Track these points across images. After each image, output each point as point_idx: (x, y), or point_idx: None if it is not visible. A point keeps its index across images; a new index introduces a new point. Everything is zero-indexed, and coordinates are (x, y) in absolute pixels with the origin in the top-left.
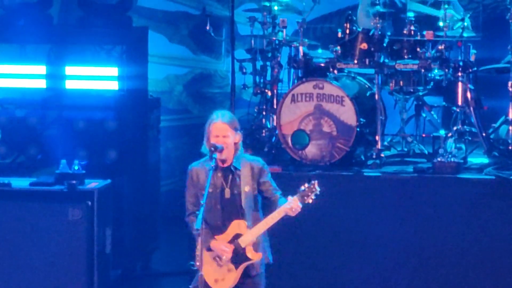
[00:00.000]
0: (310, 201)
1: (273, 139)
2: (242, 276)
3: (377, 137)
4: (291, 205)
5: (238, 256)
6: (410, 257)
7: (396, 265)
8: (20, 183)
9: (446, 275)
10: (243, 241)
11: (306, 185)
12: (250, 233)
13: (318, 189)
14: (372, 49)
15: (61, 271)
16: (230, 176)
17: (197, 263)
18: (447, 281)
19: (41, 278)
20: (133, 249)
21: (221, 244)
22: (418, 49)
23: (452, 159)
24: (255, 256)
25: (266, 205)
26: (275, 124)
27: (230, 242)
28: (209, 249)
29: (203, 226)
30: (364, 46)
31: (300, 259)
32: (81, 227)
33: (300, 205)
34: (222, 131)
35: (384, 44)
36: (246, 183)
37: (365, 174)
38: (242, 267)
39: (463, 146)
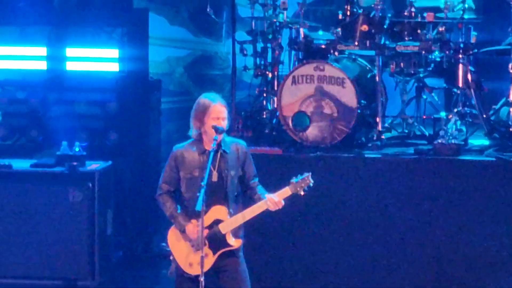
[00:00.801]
0: (302, 193)
1: (274, 121)
2: (221, 258)
3: (377, 119)
4: (277, 202)
5: (217, 242)
6: (410, 238)
7: (396, 246)
8: (21, 164)
9: (446, 255)
10: (223, 228)
11: (299, 176)
12: (232, 221)
13: (311, 181)
14: (373, 30)
15: (62, 253)
16: (218, 160)
17: (169, 245)
18: (447, 262)
19: (42, 260)
20: (134, 231)
21: (195, 228)
22: (418, 31)
23: (453, 141)
24: (235, 243)
25: (243, 189)
26: (275, 106)
27: (210, 226)
28: (183, 231)
29: (176, 208)
30: (365, 27)
31: (300, 240)
32: (82, 208)
33: (283, 202)
34: (222, 113)
35: (385, 26)
36: (233, 167)
37: (365, 155)
38: (219, 253)
39: (463, 128)
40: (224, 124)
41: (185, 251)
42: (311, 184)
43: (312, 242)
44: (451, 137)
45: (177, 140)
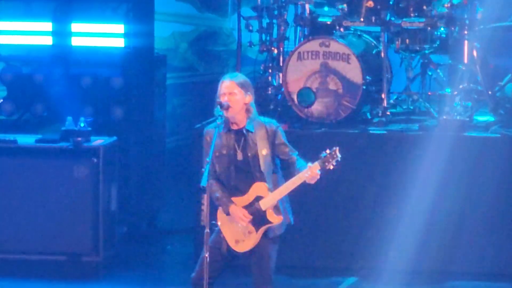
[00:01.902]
0: (331, 167)
1: (279, 96)
2: (261, 236)
3: (383, 95)
4: (310, 173)
5: (259, 219)
6: (416, 214)
7: (402, 223)
8: (26, 140)
9: (452, 232)
10: (264, 204)
11: (328, 151)
12: (271, 196)
13: (339, 155)
14: (378, 7)
15: (67, 228)
16: (243, 139)
17: (219, 223)
18: (453, 238)
19: (46, 235)
20: (139, 207)
21: (240, 212)
22: (424, 7)
23: (458, 117)
24: (275, 219)
25: (283, 167)
26: (281, 82)
27: (251, 204)
28: (227, 213)
29: (220, 187)
30: (370, 4)
31: (306, 218)
32: (87, 184)
33: (319, 173)
34: (228, 88)
35: (391, 2)
36: (263, 146)
37: (371, 132)
38: (262, 229)
39: (469, 104)
40: (230, 99)
41: (232, 230)
42: (339, 159)
43: (314, 219)
44: (456, 114)
45: (182, 115)
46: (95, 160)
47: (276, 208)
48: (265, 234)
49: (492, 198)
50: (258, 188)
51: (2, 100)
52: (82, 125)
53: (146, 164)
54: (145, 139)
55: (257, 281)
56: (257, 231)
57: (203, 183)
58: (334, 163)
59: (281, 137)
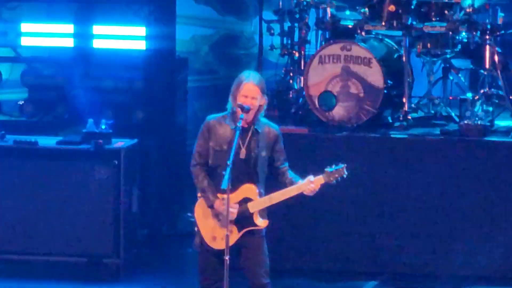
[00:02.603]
0: (334, 182)
1: (300, 100)
2: (244, 235)
3: (404, 99)
4: (313, 186)
5: (244, 220)
6: (436, 219)
7: (421, 227)
8: (47, 141)
9: (473, 236)
10: (252, 207)
11: (335, 166)
12: (262, 201)
13: (346, 173)
14: (400, 11)
15: (88, 230)
16: (248, 138)
17: (196, 216)
18: (473, 243)
19: (67, 237)
20: (159, 209)
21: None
22: (446, 12)
23: (479, 122)
24: (262, 223)
25: (271, 174)
26: (302, 85)
27: (238, 204)
28: (210, 207)
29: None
30: (392, 8)
31: (324, 221)
32: (108, 186)
33: (322, 185)
34: (252, 92)
35: (412, 6)
36: (264, 148)
37: (391, 136)
38: (244, 230)
39: (490, 109)
40: (253, 103)
41: (211, 225)
42: (345, 176)
43: (335, 223)
44: (477, 118)
45: (202, 119)
46: (116, 162)
47: (263, 212)
48: (252, 232)
49: None
50: (247, 189)
51: (23, 102)
52: (103, 127)
53: (167, 167)
54: (166, 142)
55: (255, 275)
56: (239, 231)
57: (224, 186)
58: (339, 179)
59: (281, 144)
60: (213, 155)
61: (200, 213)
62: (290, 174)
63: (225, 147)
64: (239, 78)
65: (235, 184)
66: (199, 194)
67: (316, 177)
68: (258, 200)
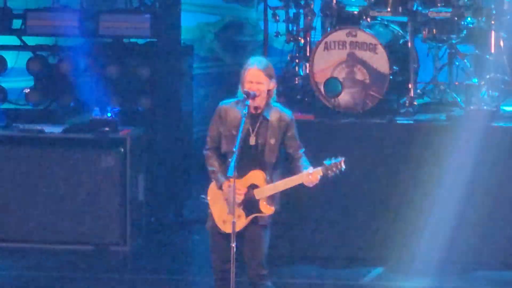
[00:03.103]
0: (332, 175)
1: (306, 87)
2: (250, 223)
3: (410, 85)
4: (311, 178)
5: (250, 206)
6: (444, 205)
7: (430, 214)
8: (53, 130)
9: (481, 222)
10: (258, 193)
11: (333, 159)
12: (268, 188)
13: (343, 166)
14: None
15: (94, 218)
16: (258, 124)
17: (208, 197)
18: (482, 228)
19: (74, 225)
20: (166, 197)
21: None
22: None
23: (485, 107)
24: (267, 210)
25: (287, 161)
26: (308, 71)
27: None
28: (220, 188)
29: (219, 164)
30: None
31: (332, 206)
32: (114, 174)
33: (319, 178)
34: (256, 77)
35: None
36: (273, 135)
37: (398, 122)
38: (251, 216)
39: (495, 94)
40: (259, 88)
41: (221, 208)
42: (343, 170)
43: (342, 210)
44: (483, 104)
45: (207, 106)
46: (122, 150)
47: (269, 199)
48: (255, 221)
49: None
50: (255, 176)
51: (29, 90)
52: (109, 115)
53: (173, 154)
54: (172, 129)
55: (251, 266)
56: (246, 216)
57: (230, 173)
58: (337, 173)
59: (293, 130)
60: (224, 141)
61: (213, 195)
62: (301, 162)
63: (235, 132)
64: (245, 64)
65: (244, 170)
66: (210, 175)
67: (315, 170)
68: (264, 187)
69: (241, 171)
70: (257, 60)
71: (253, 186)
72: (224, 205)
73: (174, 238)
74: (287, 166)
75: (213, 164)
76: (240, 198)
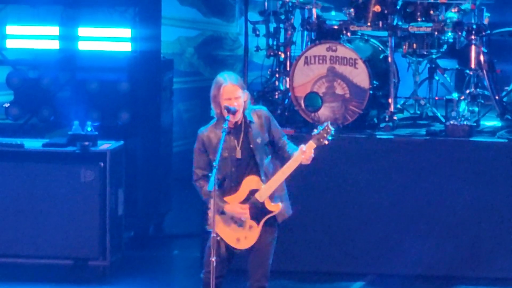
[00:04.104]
0: (326, 142)
1: (286, 101)
2: (262, 231)
3: (390, 100)
4: (305, 153)
5: (258, 211)
6: (422, 220)
7: (408, 228)
8: (32, 144)
9: (458, 238)
10: (260, 196)
11: (320, 127)
12: (267, 186)
13: (332, 128)
14: (386, 11)
15: (74, 232)
16: (242, 134)
17: (215, 230)
18: (459, 244)
19: (53, 239)
20: (145, 211)
21: (236, 207)
22: (431, 12)
23: (465, 122)
24: (275, 208)
25: (274, 151)
26: (288, 86)
27: (246, 199)
28: (222, 213)
29: (216, 189)
30: (378, 8)
31: (312, 223)
32: (94, 188)
33: (313, 152)
34: (233, 93)
35: (398, 7)
36: (258, 135)
37: (378, 136)
38: (263, 221)
39: (476, 109)
40: (237, 103)
41: (229, 230)
42: (333, 132)
43: (322, 223)
44: (463, 119)
45: (188, 120)
46: (102, 164)
47: (271, 197)
48: (269, 223)
49: (499, 203)
50: (250, 182)
51: (9, 104)
52: (89, 129)
53: (153, 169)
54: (152, 144)
55: (255, 276)
56: (258, 223)
57: (210, 187)
58: (329, 138)
59: (274, 120)
60: (220, 167)
61: (218, 221)
62: (289, 147)
63: (226, 154)
64: (216, 83)
65: (239, 182)
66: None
67: (307, 144)
68: (263, 188)
69: (236, 182)
70: (228, 76)
71: (253, 192)
72: (231, 225)
73: (154, 252)
74: (275, 157)
75: (208, 193)
76: (246, 215)
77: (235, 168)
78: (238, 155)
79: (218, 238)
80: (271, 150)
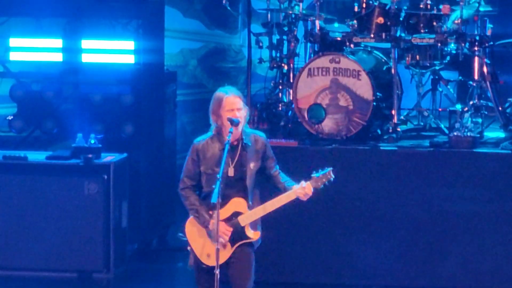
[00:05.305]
0: (322, 187)
1: (290, 113)
2: (237, 249)
3: (393, 111)
4: (304, 191)
5: (236, 234)
6: (425, 231)
7: (411, 239)
8: (36, 156)
9: (462, 248)
10: (243, 220)
11: (321, 171)
12: (253, 212)
13: (332, 176)
14: (389, 23)
15: (78, 245)
16: (238, 154)
17: (187, 236)
18: (463, 255)
19: (57, 252)
20: (149, 223)
21: (221, 226)
22: (434, 23)
23: (468, 134)
24: (254, 235)
25: (264, 180)
26: (291, 98)
27: (228, 219)
28: (207, 226)
29: (202, 202)
30: (381, 20)
31: (313, 233)
32: (97, 201)
33: (312, 190)
34: (236, 104)
35: (401, 18)
36: (252, 160)
37: (381, 148)
38: (237, 245)
39: (479, 121)
40: (240, 115)
41: (203, 242)
42: (332, 179)
43: (326, 235)
44: (466, 130)
45: (191, 132)
46: (106, 176)
47: (253, 224)
48: (244, 246)
49: (503, 214)
50: (236, 203)
51: (12, 117)
52: (92, 142)
53: (156, 181)
54: (156, 156)
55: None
56: (232, 246)
57: (214, 199)
58: (326, 183)
59: (270, 149)
60: (206, 180)
61: (192, 232)
62: (282, 178)
63: (217, 169)
64: (217, 96)
65: (224, 200)
66: (193, 215)
67: (307, 182)
68: (248, 213)
69: (222, 200)
70: (229, 89)
71: (236, 214)
72: (205, 239)
73: (157, 265)
74: (266, 186)
75: (194, 203)
76: (226, 238)
77: (224, 184)
78: (231, 173)
79: (188, 248)
80: (260, 178)
